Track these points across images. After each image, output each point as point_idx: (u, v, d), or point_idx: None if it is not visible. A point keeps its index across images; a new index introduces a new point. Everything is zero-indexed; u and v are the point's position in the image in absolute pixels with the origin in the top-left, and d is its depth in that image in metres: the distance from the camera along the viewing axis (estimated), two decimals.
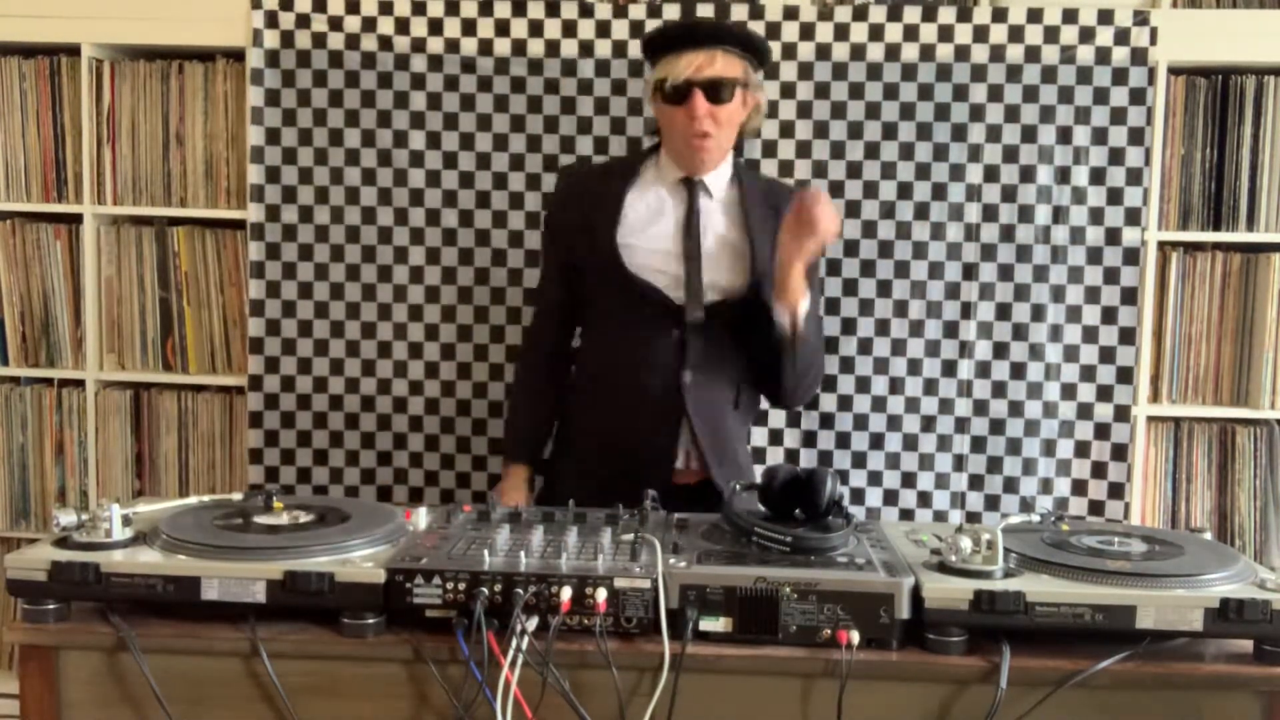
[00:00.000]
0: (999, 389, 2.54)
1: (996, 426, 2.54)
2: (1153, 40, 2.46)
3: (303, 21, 2.53)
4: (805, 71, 2.50)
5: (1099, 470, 2.52)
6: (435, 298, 2.58)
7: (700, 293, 2.01)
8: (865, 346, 2.54)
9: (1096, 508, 2.52)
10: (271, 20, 2.53)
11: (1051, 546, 1.51)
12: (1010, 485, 2.55)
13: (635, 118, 2.52)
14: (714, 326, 2.02)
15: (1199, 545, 1.56)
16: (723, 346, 2.05)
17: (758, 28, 2.50)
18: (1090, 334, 2.52)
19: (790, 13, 2.50)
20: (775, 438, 2.57)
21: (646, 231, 2.04)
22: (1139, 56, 2.47)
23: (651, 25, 2.50)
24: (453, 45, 2.53)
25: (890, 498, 2.57)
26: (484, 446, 2.60)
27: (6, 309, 2.68)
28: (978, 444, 2.55)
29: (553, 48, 2.52)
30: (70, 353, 2.68)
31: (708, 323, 2.01)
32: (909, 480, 2.56)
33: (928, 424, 2.55)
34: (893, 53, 2.49)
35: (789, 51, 2.50)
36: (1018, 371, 2.53)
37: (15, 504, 2.71)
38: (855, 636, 1.36)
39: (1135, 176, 2.48)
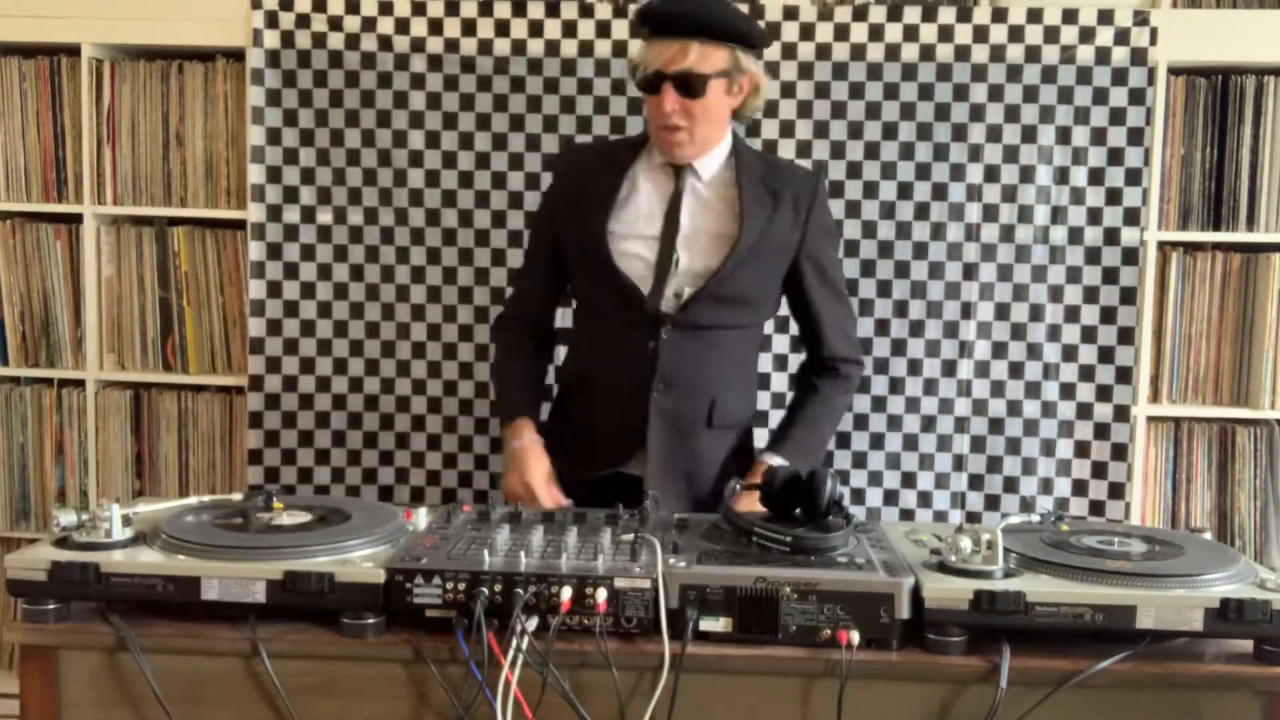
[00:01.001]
0: (999, 389, 2.54)
1: (996, 426, 2.54)
2: (1153, 40, 2.46)
3: (303, 21, 2.53)
4: (805, 71, 2.50)
5: (1099, 470, 2.52)
6: (436, 297, 2.58)
7: (665, 280, 1.94)
8: (866, 347, 2.54)
9: (1096, 508, 2.52)
10: (272, 20, 2.53)
11: (1051, 546, 1.50)
12: (1010, 485, 2.55)
13: (635, 117, 2.52)
14: (696, 335, 1.96)
15: (1199, 545, 1.56)
16: (702, 357, 1.97)
17: None
18: (1090, 334, 2.52)
19: (790, 13, 2.50)
20: None
21: (634, 217, 1.98)
22: (1139, 56, 2.47)
23: None
24: (453, 45, 2.53)
25: (890, 498, 2.57)
26: (486, 446, 2.60)
27: (6, 309, 2.68)
28: (977, 444, 2.55)
29: (552, 48, 2.52)
30: (70, 353, 2.68)
31: (688, 332, 1.95)
32: (909, 480, 2.56)
33: (928, 424, 2.55)
34: (893, 53, 2.49)
35: (789, 51, 2.50)
36: (1017, 371, 2.54)
37: (15, 504, 2.71)
38: (855, 636, 1.36)
39: (1134, 177, 2.48)
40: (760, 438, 2.56)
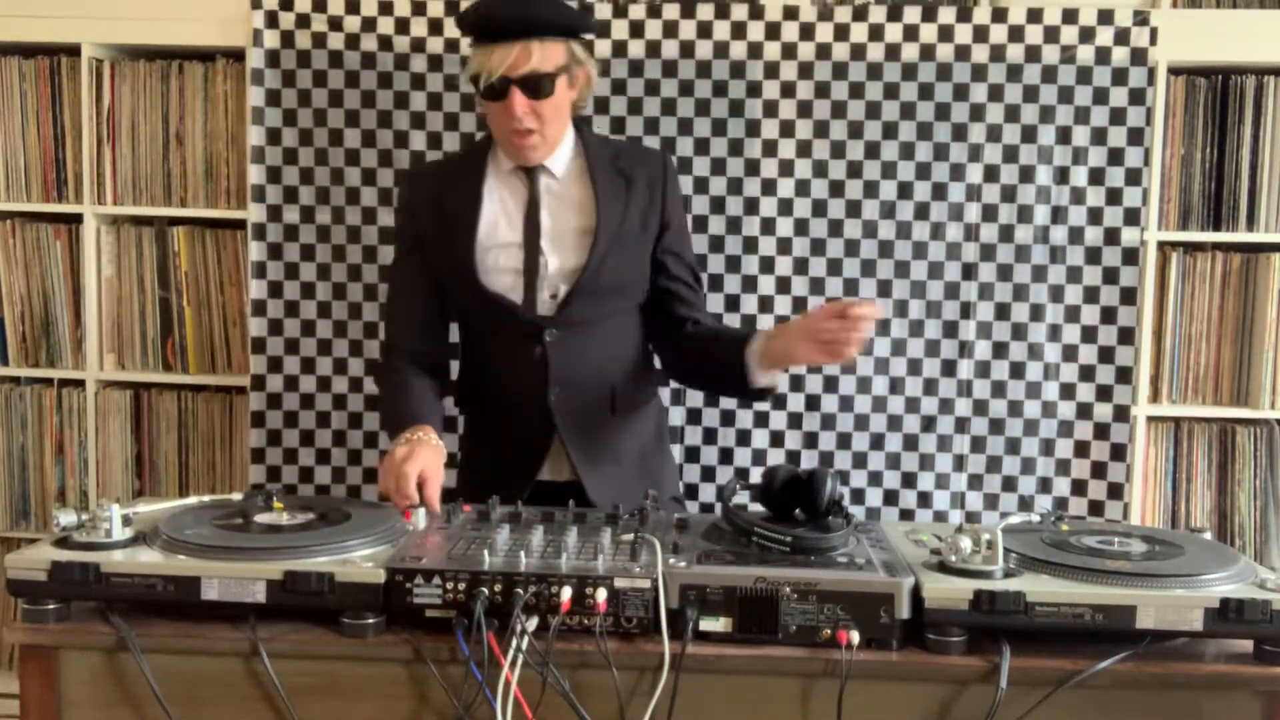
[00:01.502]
0: (998, 389, 2.54)
1: (996, 426, 2.54)
2: (1153, 40, 2.46)
3: (303, 22, 2.53)
4: (805, 71, 2.50)
5: (1098, 470, 2.52)
6: None
7: (537, 286, 1.92)
8: (866, 346, 2.53)
9: (1096, 507, 2.52)
10: (272, 20, 2.53)
11: (1051, 546, 1.50)
12: (1010, 485, 2.55)
13: (635, 117, 2.52)
14: (580, 331, 1.95)
15: (1199, 545, 1.56)
16: (591, 350, 1.96)
17: (757, 28, 2.50)
18: (1089, 334, 2.52)
19: (790, 13, 2.50)
20: (776, 439, 2.57)
21: (495, 228, 1.95)
22: (1139, 56, 2.46)
23: (651, 25, 2.51)
24: (453, 45, 2.53)
25: (890, 498, 2.57)
26: None
27: (6, 309, 2.68)
28: (977, 444, 2.55)
29: None
30: (70, 353, 2.68)
31: (572, 330, 1.94)
32: (909, 480, 2.56)
33: (928, 424, 2.55)
34: (893, 53, 2.49)
35: (789, 51, 2.50)
36: (1017, 371, 2.54)
37: (15, 504, 2.71)
38: (855, 636, 1.36)
39: (1134, 177, 2.48)
40: (761, 439, 2.56)
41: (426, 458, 1.72)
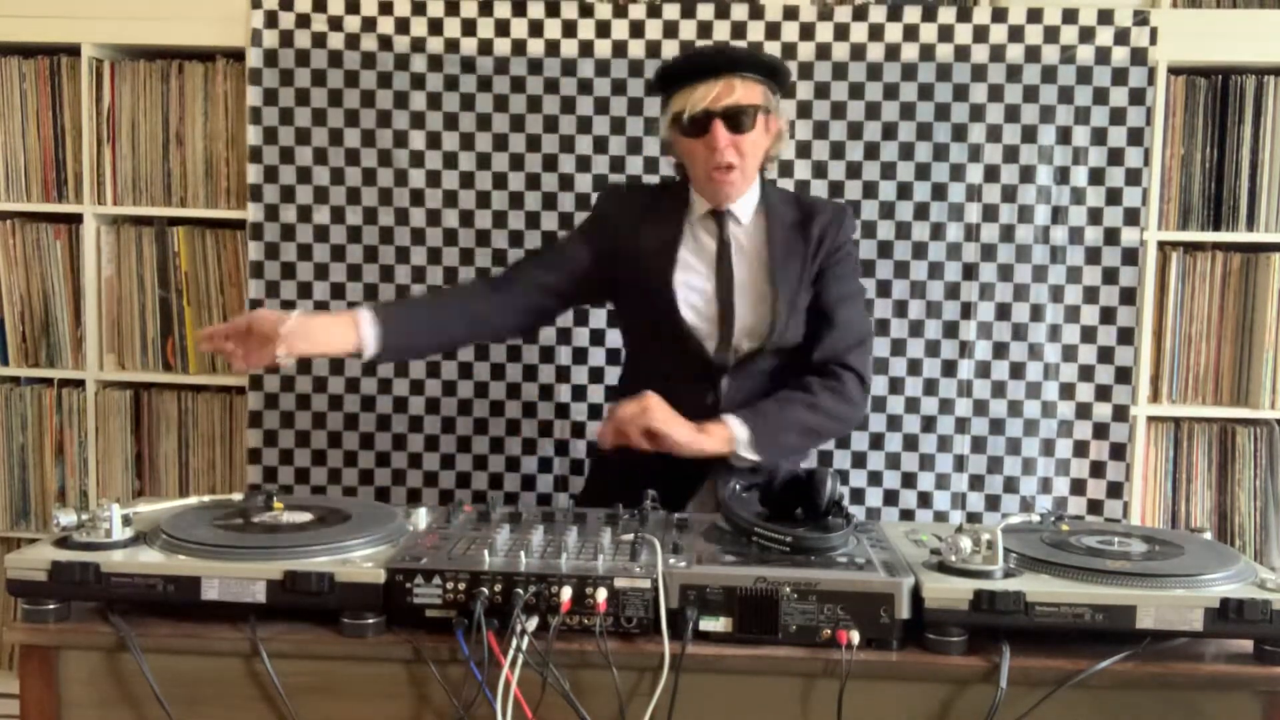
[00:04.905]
0: (999, 389, 2.54)
1: (996, 426, 2.54)
2: (1153, 40, 2.46)
3: (302, 21, 2.53)
4: (805, 71, 2.50)
5: (1098, 470, 2.53)
6: None
7: (730, 337, 1.92)
8: None
9: (1095, 507, 2.53)
10: (271, 20, 2.53)
11: (1051, 546, 1.50)
12: (1010, 485, 2.55)
13: (635, 117, 2.52)
14: (752, 376, 1.94)
15: (1199, 545, 1.56)
16: (760, 393, 1.93)
17: (757, 28, 2.50)
18: (1089, 334, 2.52)
19: (790, 13, 2.50)
20: None
21: (690, 269, 1.95)
22: (1139, 56, 2.47)
23: (652, 25, 2.51)
24: (453, 45, 2.53)
25: (890, 498, 2.57)
26: (485, 446, 2.60)
27: (6, 309, 2.68)
28: (978, 444, 2.55)
29: (553, 48, 2.52)
30: (70, 353, 2.68)
31: (745, 379, 1.93)
32: (909, 480, 2.56)
33: (928, 424, 2.55)
34: (893, 53, 2.49)
35: (789, 51, 2.50)
36: (1017, 371, 2.54)
37: (15, 504, 2.71)
38: (855, 636, 1.36)
39: (1134, 177, 2.49)
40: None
41: (265, 314, 1.69)
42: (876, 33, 2.49)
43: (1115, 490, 2.51)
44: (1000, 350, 2.54)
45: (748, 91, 1.88)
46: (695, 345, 1.93)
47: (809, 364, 1.98)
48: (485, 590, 1.37)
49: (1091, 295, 2.52)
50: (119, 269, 2.67)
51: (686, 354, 1.94)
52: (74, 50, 2.59)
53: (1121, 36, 2.47)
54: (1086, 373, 2.53)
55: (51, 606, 1.42)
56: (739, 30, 2.50)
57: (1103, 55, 2.47)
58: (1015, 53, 2.48)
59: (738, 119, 1.86)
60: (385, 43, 2.53)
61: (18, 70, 2.64)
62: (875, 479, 2.57)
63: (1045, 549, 1.49)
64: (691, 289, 1.95)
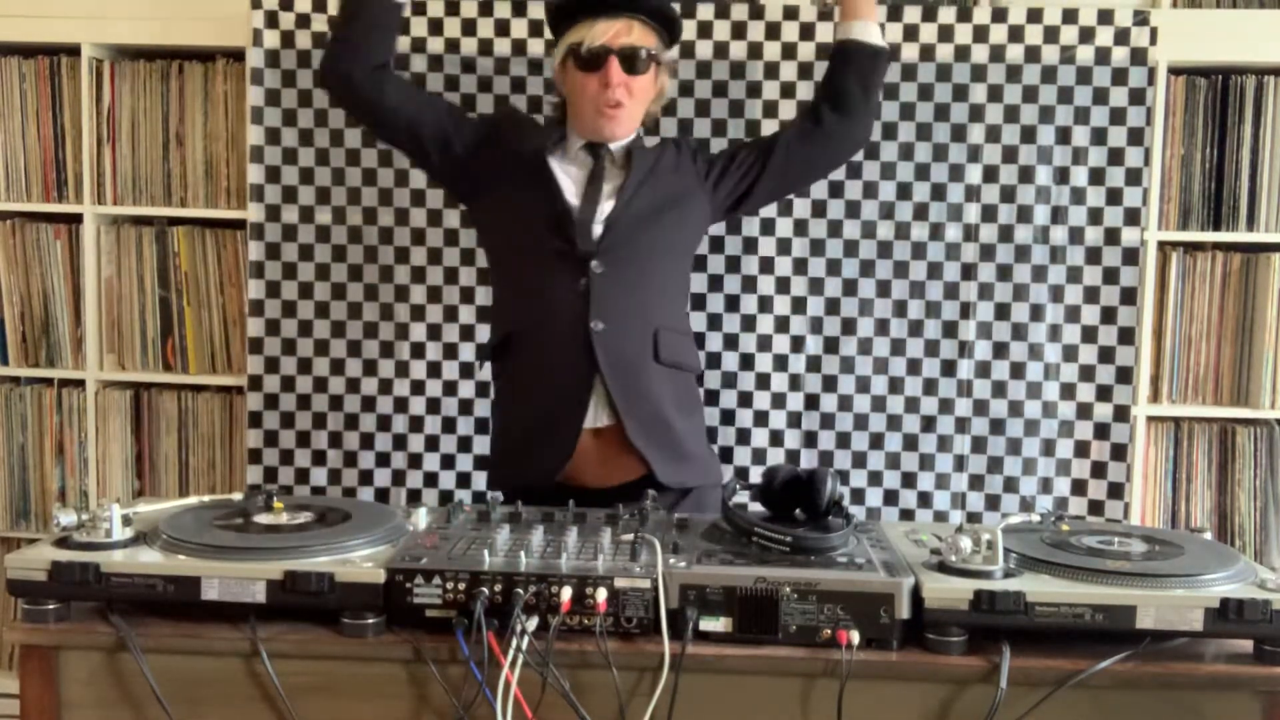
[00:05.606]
0: (999, 389, 2.54)
1: (996, 426, 2.54)
2: (1153, 40, 2.46)
3: (303, 21, 2.53)
4: (805, 71, 2.50)
5: (1098, 470, 2.53)
6: (437, 298, 2.57)
7: (590, 221, 1.99)
8: (865, 346, 2.54)
9: (1096, 507, 2.52)
10: (271, 20, 2.53)
11: (1051, 546, 1.51)
12: (1010, 485, 2.55)
13: None
14: (625, 263, 1.99)
15: (1199, 545, 1.56)
16: (634, 287, 2.01)
17: (757, 28, 2.50)
18: (1089, 334, 2.52)
19: (790, 13, 2.50)
20: (776, 438, 2.57)
21: (559, 174, 2.04)
22: (1139, 56, 2.47)
23: None
24: (453, 45, 2.53)
25: (890, 498, 2.57)
26: (484, 447, 2.60)
27: (6, 309, 2.68)
28: (978, 444, 2.55)
29: (553, 48, 2.52)
30: (70, 353, 2.68)
31: (618, 269, 1.98)
32: (909, 480, 2.56)
33: (928, 424, 2.55)
34: (892, 53, 2.49)
35: (789, 51, 2.50)
36: (1017, 371, 2.54)
37: (15, 504, 2.71)
38: (855, 636, 1.36)
39: (1135, 177, 2.48)
40: (761, 438, 2.57)
41: None
42: None
43: (1116, 491, 2.51)
44: (1000, 350, 2.54)
45: (645, 35, 2.00)
46: (565, 212, 1.99)
47: (808, 119, 2.16)
48: (485, 590, 1.37)
49: (1092, 295, 2.51)
50: (119, 269, 2.67)
51: (552, 232, 1.99)
52: (74, 50, 2.59)
53: (1121, 37, 2.46)
54: (1087, 373, 2.53)
55: (51, 606, 1.42)
56: (739, 30, 2.50)
57: (1102, 55, 2.47)
58: (1015, 53, 2.48)
59: (633, 60, 1.98)
60: None
61: (18, 70, 2.64)
62: (875, 479, 2.57)
63: (1045, 549, 1.49)
64: (566, 176, 2.05)
